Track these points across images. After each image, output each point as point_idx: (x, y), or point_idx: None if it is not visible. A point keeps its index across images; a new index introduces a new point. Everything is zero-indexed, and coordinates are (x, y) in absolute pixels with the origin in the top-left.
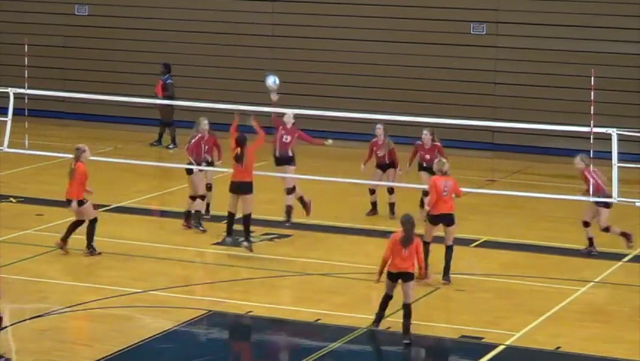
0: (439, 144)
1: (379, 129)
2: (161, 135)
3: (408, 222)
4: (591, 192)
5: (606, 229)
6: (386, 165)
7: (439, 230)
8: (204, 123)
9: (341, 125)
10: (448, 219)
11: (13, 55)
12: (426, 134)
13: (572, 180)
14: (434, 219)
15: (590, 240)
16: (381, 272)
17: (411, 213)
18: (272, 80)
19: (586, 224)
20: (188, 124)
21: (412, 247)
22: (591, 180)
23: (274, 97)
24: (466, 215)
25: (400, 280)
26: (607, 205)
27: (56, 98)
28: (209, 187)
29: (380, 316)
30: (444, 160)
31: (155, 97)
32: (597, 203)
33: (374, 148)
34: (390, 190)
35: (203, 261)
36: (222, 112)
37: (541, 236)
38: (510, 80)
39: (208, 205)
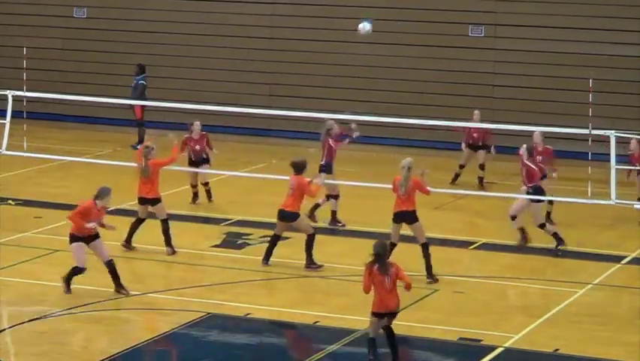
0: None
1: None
2: (141, 137)
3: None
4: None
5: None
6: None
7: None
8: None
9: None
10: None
11: (12, 57)
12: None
13: (571, 183)
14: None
15: None
16: None
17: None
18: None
19: None
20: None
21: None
22: None
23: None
24: (465, 217)
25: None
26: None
27: (55, 101)
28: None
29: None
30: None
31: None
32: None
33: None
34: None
35: (201, 263)
36: (230, 115)
37: (540, 238)
38: (508, 83)
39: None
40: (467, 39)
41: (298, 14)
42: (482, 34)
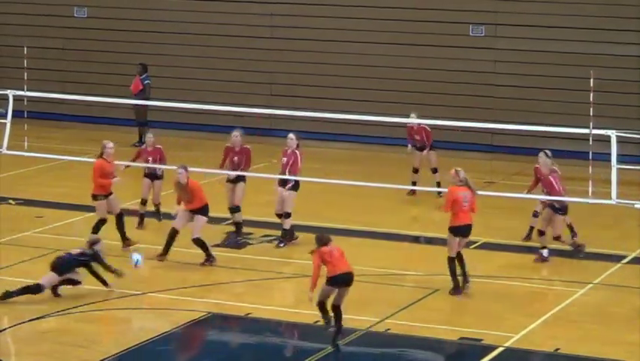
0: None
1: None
2: (141, 136)
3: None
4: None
5: (557, 238)
6: None
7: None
8: None
9: (340, 127)
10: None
11: (13, 57)
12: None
13: (571, 182)
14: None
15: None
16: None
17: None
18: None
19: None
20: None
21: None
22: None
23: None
24: None
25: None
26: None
27: (55, 100)
28: None
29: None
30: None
31: (130, 95)
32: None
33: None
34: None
35: (202, 263)
36: (230, 115)
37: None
38: (509, 82)
39: None
40: (467, 39)
41: (298, 14)
42: (483, 34)
